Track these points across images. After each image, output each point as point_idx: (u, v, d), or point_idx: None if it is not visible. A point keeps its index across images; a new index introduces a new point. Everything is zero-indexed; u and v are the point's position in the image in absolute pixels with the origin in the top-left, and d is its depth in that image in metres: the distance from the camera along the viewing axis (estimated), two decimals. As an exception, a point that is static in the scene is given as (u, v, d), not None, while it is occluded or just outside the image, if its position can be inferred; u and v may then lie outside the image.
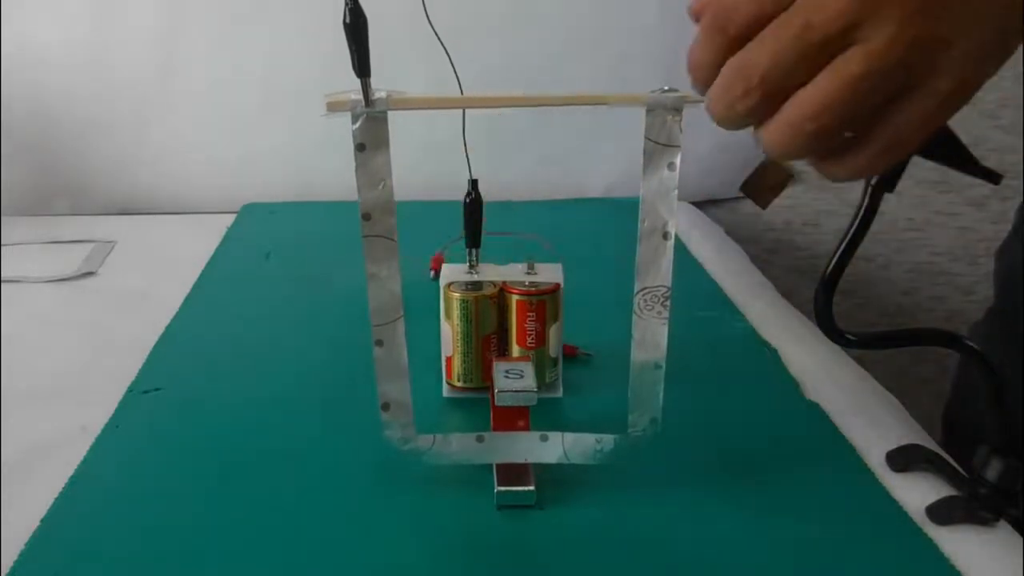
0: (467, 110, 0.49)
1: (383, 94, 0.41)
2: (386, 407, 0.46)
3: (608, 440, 0.47)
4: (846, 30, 0.33)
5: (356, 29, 0.39)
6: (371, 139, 0.41)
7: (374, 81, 0.40)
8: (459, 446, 0.47)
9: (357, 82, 0.40)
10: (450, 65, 0.48)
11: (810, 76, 0.35)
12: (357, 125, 0.41)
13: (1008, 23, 0.34)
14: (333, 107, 0.41)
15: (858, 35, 0.33)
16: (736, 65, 0.36)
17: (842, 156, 0.37)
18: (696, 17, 0.37)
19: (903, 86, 0.35)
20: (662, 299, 0.44)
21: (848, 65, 0.34)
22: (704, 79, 0.37)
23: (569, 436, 0.47)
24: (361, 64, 0.40)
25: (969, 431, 0.49)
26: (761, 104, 0.36)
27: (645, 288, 0.44)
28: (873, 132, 0.36)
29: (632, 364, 0.45)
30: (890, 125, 0.35)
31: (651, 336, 0.45)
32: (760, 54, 0.35)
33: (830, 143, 0.36)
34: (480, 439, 0.47)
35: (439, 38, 0.47)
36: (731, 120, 0.37)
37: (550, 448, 0.47)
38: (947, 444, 0.56)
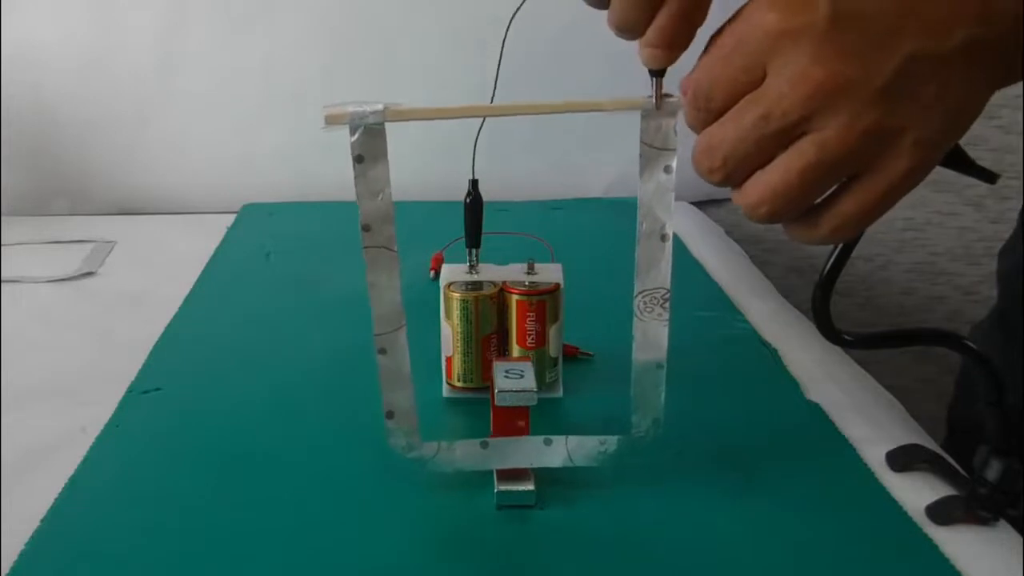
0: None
1: (380, 106, 0.41)
2: (390, 415, 0.46)
3: (612, 442, 0.47)
4: (800, 121, 0.35)
5: None
6: (369, 151, 0.41)
7: (374, 91, 0.40)
8: (463, 453, 0.47)
9: (355, 92, 0.40)
10: (495, 72, 0.48)
11: (767, 160, 0.36)
12: (355, 137, 0.41)
13: (957, 114, 0.35)
14: (332, 120, 0.41)
15: (812, 125, 0.35)
16: (703, 143, 0.38)
17: (802, 226, 0.38)
18: (684, 93, 0.39)
19: (856, 170, 0.36)
20: (661, 301, 0.44)
21: (800, 155, 0.35)
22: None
23: (573, 439, 0.47)
24: None
25: (971, 431, 0.49)
26: (726, 180, 0.38)
27: (645, 290, 0.44)
28: (824, 214, 0.37)
29: (634, 365, 0.45)
30: (841, 206, 0.37)
31: (652, 337, 0.45)
32: (723, 137, 0.37)
33: (790, 218, 0.38)
34: (484, 445, 0.47)
35: (502, 50, 0.47)
36: (710, 183, 0.38)
37: (554, 452, 0.47)
38: (948, 444, 0.57)
